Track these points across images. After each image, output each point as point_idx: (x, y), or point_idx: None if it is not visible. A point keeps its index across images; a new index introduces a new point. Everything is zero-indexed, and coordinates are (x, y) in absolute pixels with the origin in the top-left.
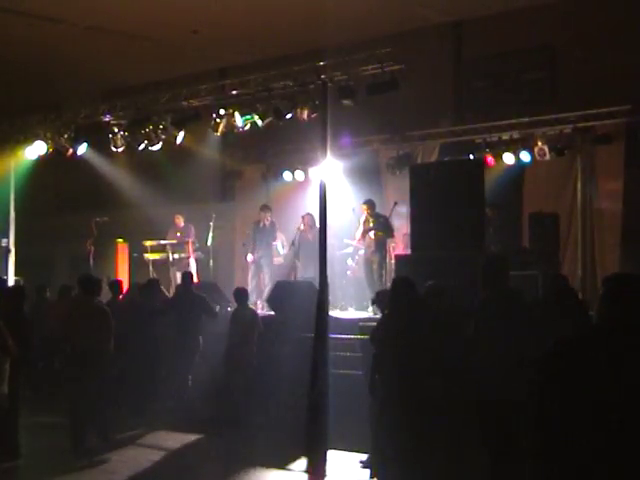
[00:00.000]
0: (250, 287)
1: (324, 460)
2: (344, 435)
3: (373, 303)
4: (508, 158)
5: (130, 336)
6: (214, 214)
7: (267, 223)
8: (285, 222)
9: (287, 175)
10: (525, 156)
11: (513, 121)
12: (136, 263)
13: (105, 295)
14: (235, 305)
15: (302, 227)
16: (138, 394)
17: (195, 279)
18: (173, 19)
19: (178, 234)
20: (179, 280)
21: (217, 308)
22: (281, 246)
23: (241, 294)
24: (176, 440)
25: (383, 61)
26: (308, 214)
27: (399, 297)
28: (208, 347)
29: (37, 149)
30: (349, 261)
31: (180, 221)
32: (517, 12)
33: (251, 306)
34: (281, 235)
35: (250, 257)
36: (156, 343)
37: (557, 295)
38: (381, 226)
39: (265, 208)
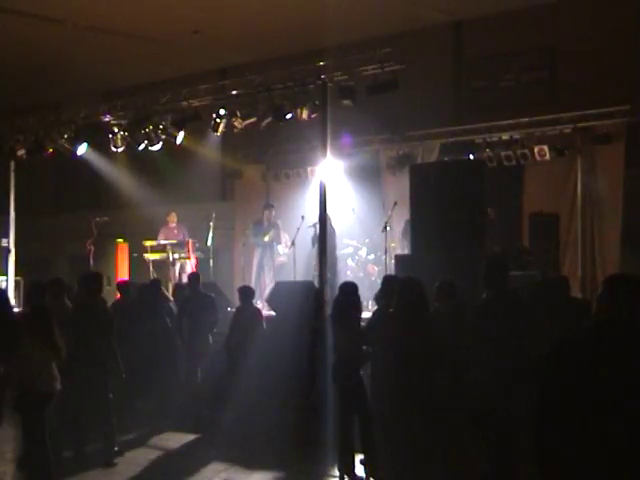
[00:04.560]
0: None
1: (324, 460)
2: None
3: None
4: (508, 158)
5: (137, 336)
6: (214, 214)
7: (270, 222)
8: (285, 222)
9: (287, 175)
10: (525, 156)
11: (513, 121)
12: (136, 263)
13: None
14: (235, 304)
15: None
16: (143, 394)
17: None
18: (173, 19)
19: (176, 232)
20: (184, 280)
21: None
22: (282, 246)
23: (246, 292)
24: (176, 440)
25: (383, 61)
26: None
27: (406, 296)
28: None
29: (37, 149)
30: (349, 261)
31: (173, 219)
32: (517, 12)
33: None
34: (284, 234)
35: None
36: (162, 343)
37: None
38: None
39: (268, 206)
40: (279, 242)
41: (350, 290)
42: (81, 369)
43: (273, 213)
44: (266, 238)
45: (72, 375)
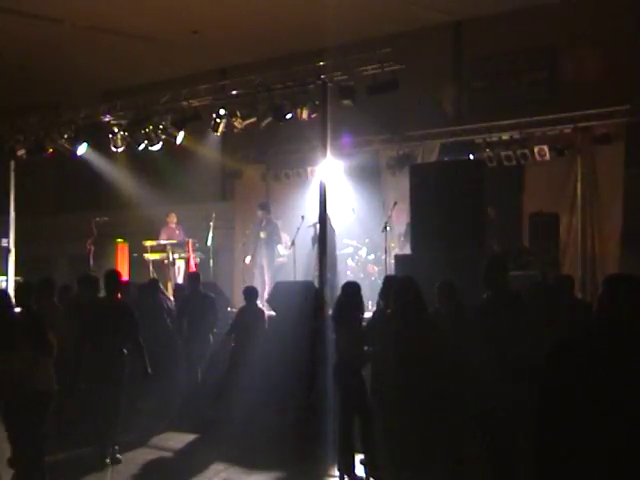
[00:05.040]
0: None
1: (324, 460)
2: None
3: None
4: (508, 158)
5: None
6: (214, 214)
7: (268, 221)
8: (285, 222)
9: (287, 175)
10: (525, 156)
11: (513, 121)
12: (136, 263)
13: None
14: (234, 304)
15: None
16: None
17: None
18: (173, 19)
19: (177, 232)
20: (179, 280)
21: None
22: (282, 246)
23: (250, 292)
24: (176, 440)
25: (383, 61)
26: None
27: (403, 297)
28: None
29: (37, 149)
30: (349, 261)
31: (173, 220)
32: (517, 12)
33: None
34: (284, 235)
35: (248, 259)
36: (162, 342)
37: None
38: None
39: (262, 206)
40: (279, 241)
41: (353, 290)
42: (97, 369)
43: (266, 213)
44: (262, 234)
45: (88, 375)
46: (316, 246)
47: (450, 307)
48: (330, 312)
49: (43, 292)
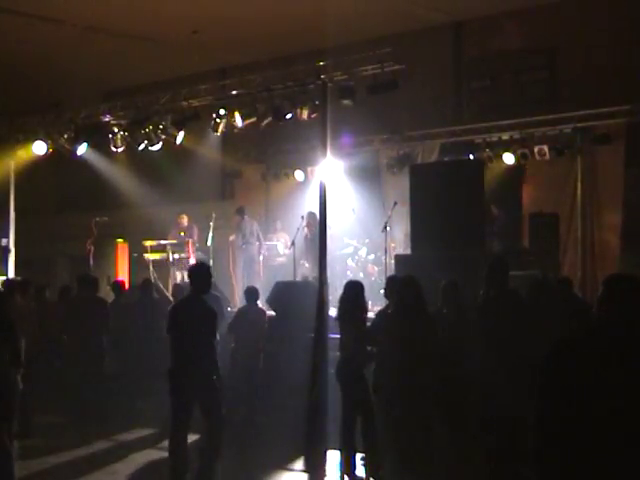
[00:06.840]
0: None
1: (324, 460)
2: None
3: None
4: (508, 158)
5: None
6: (214, 214)
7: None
8: (285, 222)
9: (287, 175)
10: (525, 156)
11: (513, 121)
12: (136, 263)
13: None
14: (234, 305)
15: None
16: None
17: None
18: (173, 19)
19: (182, 234)
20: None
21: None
22: (282, 246)
23: (251, 293)
24: None
25: (383, 61)
26: (311, 213)
27: (404, 296)
28: None
29: (37, 149)
30: (349, 261)
31: (184, 220)
32: (517, 12)
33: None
34: (283, 234)
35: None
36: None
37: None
38: None
39: (236, 210)
40: (248, 242)
41: (356, 290)
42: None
43: (243, 218)
44: (230, 237)
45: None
46: (308, 246)
47: (455, 307)
48: (330, 312)
49: (7, 290)
